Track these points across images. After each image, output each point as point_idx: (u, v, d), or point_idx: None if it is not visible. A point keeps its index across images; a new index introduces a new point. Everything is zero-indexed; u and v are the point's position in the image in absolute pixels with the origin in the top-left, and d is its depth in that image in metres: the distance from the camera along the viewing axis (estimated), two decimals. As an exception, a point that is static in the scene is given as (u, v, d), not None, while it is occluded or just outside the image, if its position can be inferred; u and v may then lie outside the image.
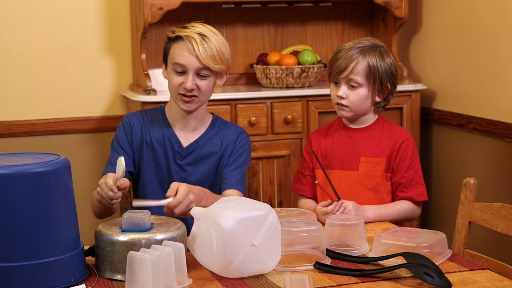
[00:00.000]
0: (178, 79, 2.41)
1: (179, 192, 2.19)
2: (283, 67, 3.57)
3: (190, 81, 2.38)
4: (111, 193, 2.14)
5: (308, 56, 3.64)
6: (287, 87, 3.61)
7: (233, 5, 3.69)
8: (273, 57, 3.69)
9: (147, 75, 3.44)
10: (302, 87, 3.62)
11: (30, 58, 3.57)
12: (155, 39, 3.70)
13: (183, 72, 2.40)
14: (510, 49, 3.23)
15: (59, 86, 3.62)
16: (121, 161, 2.06)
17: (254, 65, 3.69)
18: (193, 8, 3.72)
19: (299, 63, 3.64)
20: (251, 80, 3.84)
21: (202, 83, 2.41)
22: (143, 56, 3.51)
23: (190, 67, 2.38)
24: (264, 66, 3.63)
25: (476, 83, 3.47)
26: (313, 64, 3.64)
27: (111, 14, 3.66)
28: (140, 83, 3.54)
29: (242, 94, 3.47)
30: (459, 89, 3.60)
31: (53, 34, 3.58)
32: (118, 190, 2.15)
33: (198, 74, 2.40)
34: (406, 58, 3.99)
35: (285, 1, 3.75)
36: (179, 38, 2.41)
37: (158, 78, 3.54)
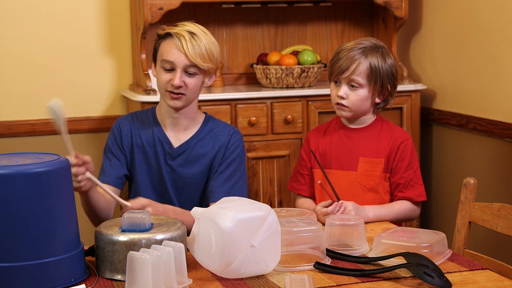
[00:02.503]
0: (166, 76, 2.40)
1: (137, 200, 2.24)
2: (283, 67, 3.58)
3: (177, 77, 2.38)
4: (74, 168, 2.12)
5: (308, 56, 3.64)
6: (287, 87, 3.61)
7: (233, 5, 3.69)
8: (273, 57, 3.69)
9: (147, 75, 3.44)
10: (302, 87, 3.62)
11: (30, 58, 3.57)
12: (155, 39, 3.69)
13: (171, 69, 2.40)
14: (510, 49, 3.24)
15: (59, 86, 3.62)
16: (54, 105, 2.05)
17: (254, 65, 3.69)
18: (193, 8, 3.72)
19: (299, 63, 3.64)
20: (251, 80, 3.84)
21: (190, 81, 2.40)
22: (143, 56, 3.51)
23: (178, 64, 2.38)
24: (264, 66, 3.63)
25: (476, 83, 3.47)
26: (313, 64, 3.64)
27: (111, 14, 3.66)
28: (140, 83, 3.54)
29: (242, 94, 3.48)
30: (459, 89, 3.60)
31: (53, 34, 3.59)
32: (79, 162, 2.14)
33: (186, 71, 2.39)
34: (406, 58, 3.99)
35: (285, 1, 3.75)
36: (168, 35, 2.41)
37: (158, 78, 3.54)
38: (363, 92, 2.43)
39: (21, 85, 3.57)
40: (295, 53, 3.71)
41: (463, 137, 3.59)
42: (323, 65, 3.66)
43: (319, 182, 2.34)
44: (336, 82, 2.47)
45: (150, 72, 3.49)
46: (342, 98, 2.44)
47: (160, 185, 2.49)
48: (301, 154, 2.59)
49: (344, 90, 2.44)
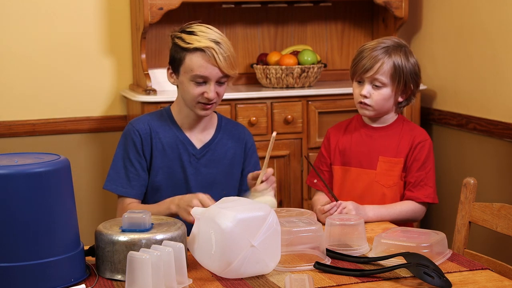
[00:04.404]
0: (198, 89, 2.38)
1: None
2: (283, 67, 3.57)
3: (212, 91, 2.37)
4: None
5: (308, 56, 3.64)
6: (287, 87, 3.61)
7: (233, 5, 3.69)
8: (273, 57, 3.69)
9: (147, 75, 3.44)
10: (302, 87, 3.62)
11: (30, 58, 3.57)
12: (155, 39, 3.70)
13: (203, 82, 2.39)
14: (510, 49, 3.24)
15: (59, 86, 3.62)
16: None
17: (254, 65, 3.69)
18: (193, 8, 3.72)
19: (299, 63, 3.64)
20: (251, 80, 3.84)
21: (221, 89, 2.42)
22: (143, 56, 3.51)
23: (213, 77, 2.37)
24: (264, 66, 3.63)
25: (476, 83, 3.47)
26: (313, 64, 3.64)
27: (111, 14, 3.66)
28: (140, 83, 3.54)
29: (242, 94, 3.47)
30: (459, 89, 3.60)
31: (53, 34, 3.59)
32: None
33: (217, 82, 2.40)
34: (406, 58, 3.98)
35: (285, 1, 3.75)
36: (197, 49, 2.36)
37: (158, 78, 3.54)
38: (386, 91, 2.43)
39: (21, 85, 3.57)
40: (295, 53, 3.71)
41: (463, 137, 3.59)
42: (323, 65, 3.66)
43: (315, 181, 2.34)
44: (359, 81, 2.47)
45: (150, 72, 3.49)
46: (365, 97, 2.44)
47: (183, 188, 2.46)
48: (321, 150, 2.59)
49: (367, 89, 2.44)
